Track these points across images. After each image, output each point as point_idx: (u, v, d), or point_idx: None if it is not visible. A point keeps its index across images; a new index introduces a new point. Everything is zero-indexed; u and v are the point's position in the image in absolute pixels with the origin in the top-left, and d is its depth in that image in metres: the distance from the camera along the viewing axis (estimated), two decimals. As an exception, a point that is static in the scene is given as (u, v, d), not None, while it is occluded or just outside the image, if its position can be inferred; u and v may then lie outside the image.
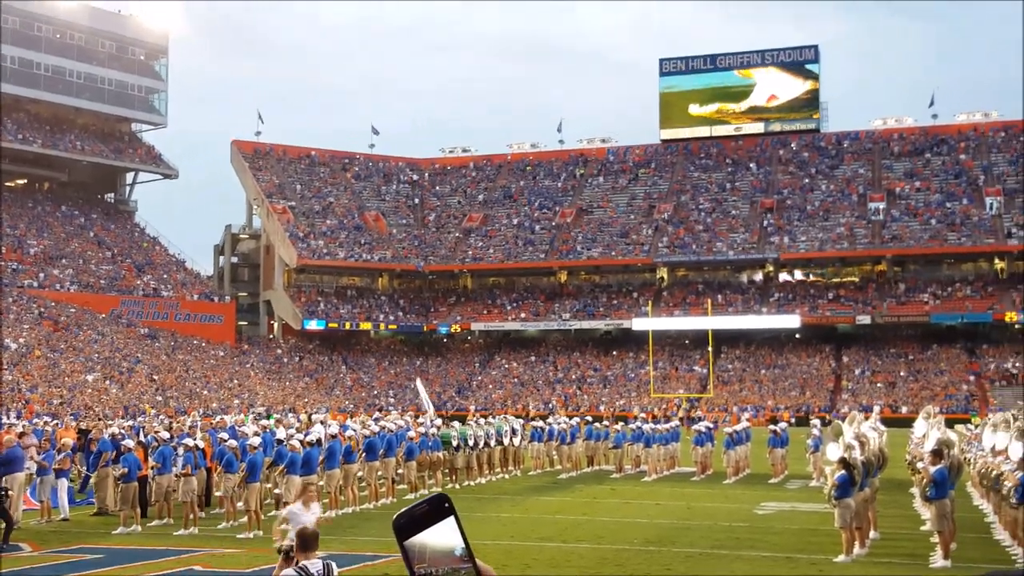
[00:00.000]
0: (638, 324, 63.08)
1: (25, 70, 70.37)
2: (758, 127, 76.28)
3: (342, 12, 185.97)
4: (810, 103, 75.14)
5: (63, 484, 18.57)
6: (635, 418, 37.33)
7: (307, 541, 7.68)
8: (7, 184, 71.37)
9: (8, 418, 31.73)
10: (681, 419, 42.67)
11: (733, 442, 25.94)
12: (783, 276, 67.62)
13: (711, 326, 58.00)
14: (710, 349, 56.67)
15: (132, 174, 77.94)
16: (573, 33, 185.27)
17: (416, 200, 79.11)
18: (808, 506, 20.12)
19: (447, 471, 24.24)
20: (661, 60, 78.84)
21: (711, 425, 29.67)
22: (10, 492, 16.27)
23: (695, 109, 77.24)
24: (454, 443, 24.40)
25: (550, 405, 57.61)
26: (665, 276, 69.31)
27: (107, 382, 51.18)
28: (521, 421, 30.28)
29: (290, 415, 32.87)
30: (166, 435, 19.30)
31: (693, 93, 77.17)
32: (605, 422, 31.04)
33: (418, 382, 30.64)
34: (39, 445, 21.09)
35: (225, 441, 18.44)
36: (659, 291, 68.00)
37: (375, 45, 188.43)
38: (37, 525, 17.57)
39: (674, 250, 67.90)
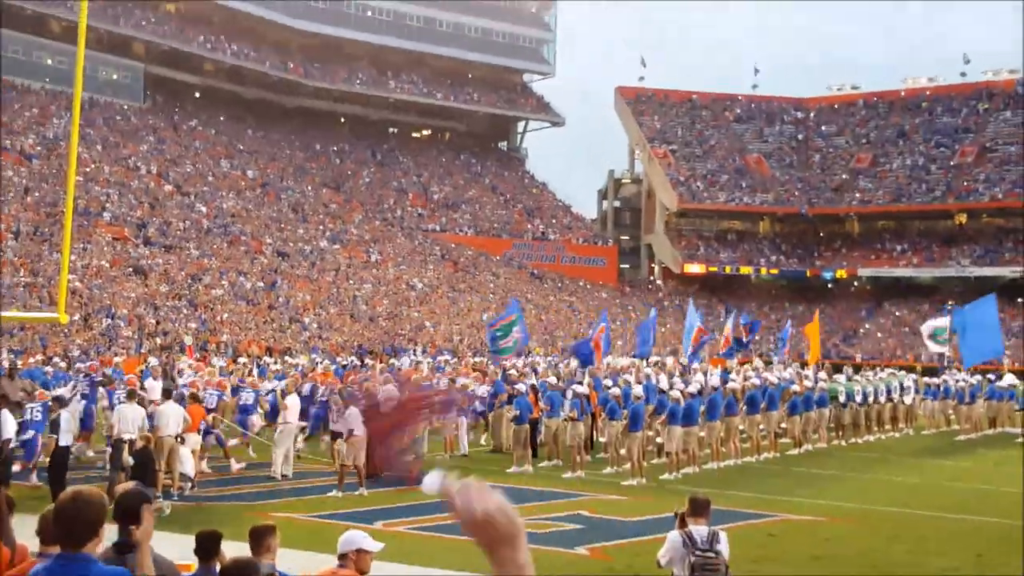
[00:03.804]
0: (1052, 272, 56.89)
1: (429, 28, 75.80)
2: None
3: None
4: None
5: (463, 422, 20.03)
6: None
7: (698, 506, 7.71)
8: (414, 135, 78.01)
9: (415, 355, 34.55)
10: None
11: None
12: None
13: None
14: None
15: (523, 123, 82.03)
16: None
17: (800, 140, 76.25)
18: None
19: (832, 427, 23.39)
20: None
21: None
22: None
23: None
24: (841, 398, 23.44)
25: (945, 356, 53.56)
26: (1087, 218, 61.70)
27: (500, 321, 54.52)
28: (914, 377, 28.46)
29: (669, 358, 33.19)
30: (554, 380, 20.23)
31: None
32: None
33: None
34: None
35: (609, 388, 18.99)
36: (1078, 235, 60.70)
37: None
38: (441, 460, 19.12)
39: (1099, 189, 60.19)
